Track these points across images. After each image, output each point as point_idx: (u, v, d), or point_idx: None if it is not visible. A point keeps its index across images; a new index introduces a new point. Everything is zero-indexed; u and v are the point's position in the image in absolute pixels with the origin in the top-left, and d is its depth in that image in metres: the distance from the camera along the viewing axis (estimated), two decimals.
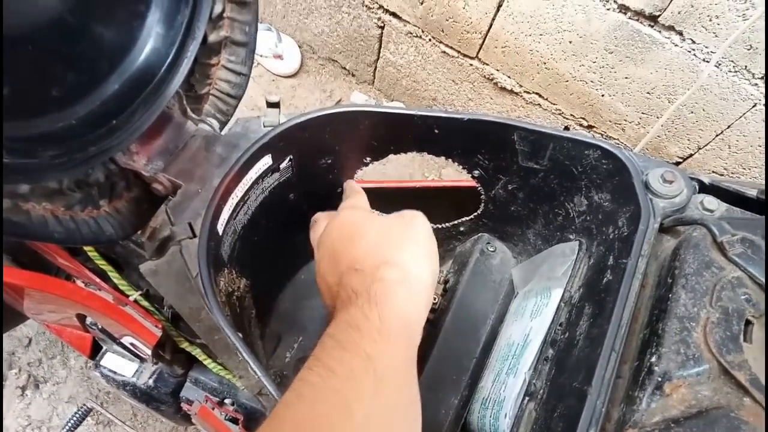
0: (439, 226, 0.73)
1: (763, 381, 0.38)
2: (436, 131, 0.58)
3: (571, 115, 1.49)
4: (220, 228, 0.52)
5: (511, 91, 1.54)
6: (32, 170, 0.41)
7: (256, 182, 0.56)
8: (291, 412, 0.34)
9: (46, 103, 0.42)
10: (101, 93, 0.46)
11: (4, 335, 1.40)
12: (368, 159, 0.64)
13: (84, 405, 0.91)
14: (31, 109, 0.41)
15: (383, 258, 0.43)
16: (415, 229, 0.46)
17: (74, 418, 0.89)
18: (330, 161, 0.63)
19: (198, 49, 0.53)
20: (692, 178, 0.52)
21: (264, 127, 0.56)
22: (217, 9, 0.54)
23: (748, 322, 0.41)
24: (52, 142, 0.43)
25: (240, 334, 0.46)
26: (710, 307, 0.42)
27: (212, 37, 0.56)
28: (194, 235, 0.49)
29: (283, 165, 0.59)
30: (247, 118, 0.57)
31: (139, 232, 0.56)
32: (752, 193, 0.51)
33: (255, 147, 0.53)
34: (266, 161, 0.56)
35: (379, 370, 0.36)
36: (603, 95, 1.37)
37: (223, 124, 0.60)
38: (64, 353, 1.43)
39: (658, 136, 1.38)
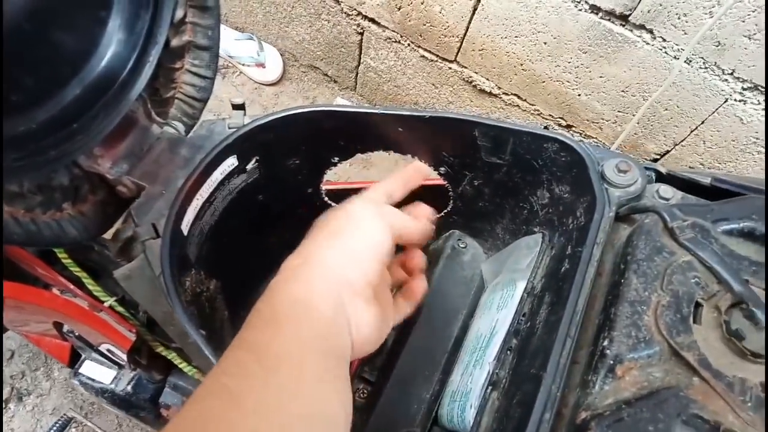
0: None
1: (710, 360, 0.39)
2: (400, 129, 0.59)
3: (550, 115, 1.51)
4: (185, 228, 0.52)
5: (490, 93, 1.56)
6: None
7: (222, 183, 0.57)
8: (182, 414, 0.34)
9: (4, 108, 0.43)
10: (62, 98, 0.47)
11: None
12: (336, 159, 0.65)
13: (64, 415, 0.90)
14: None
15: (297, 251, 0.44)
16: (335, 219, 0.45)
17: (54, 429, 0.88)
18: (297, 162, 0.64)
19: (161, 53, 0.53)
20: (648, 168, 0.53)
21: (229, 128, 0.57)
22: (179, 14, 0.55)
23: (697, 305, 0.42)
24: (11, 145, 0.43)
25: (204, 332, 0.46)
26: (661, 291, 0.42)
27: (175, 42, 0.57)
28: (158, 236, 0.50)
29: (249, 166, 0.59)
30: (212, 120, 0.58)
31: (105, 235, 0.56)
32: (706, 181, 0.52)
33: (218, 148, 0.54)
34: (231, 162, 0.56)
35: (270, 359, 0.36)
36: (579, 95, 1.39)
37: (189, 128, 0.61)
38: (48, 365, 1.42)
39: (635, 134, 1.39)
